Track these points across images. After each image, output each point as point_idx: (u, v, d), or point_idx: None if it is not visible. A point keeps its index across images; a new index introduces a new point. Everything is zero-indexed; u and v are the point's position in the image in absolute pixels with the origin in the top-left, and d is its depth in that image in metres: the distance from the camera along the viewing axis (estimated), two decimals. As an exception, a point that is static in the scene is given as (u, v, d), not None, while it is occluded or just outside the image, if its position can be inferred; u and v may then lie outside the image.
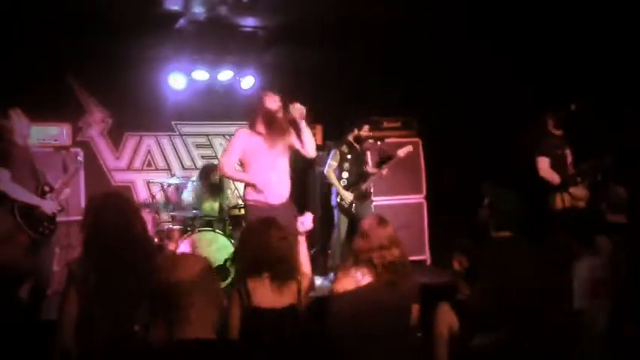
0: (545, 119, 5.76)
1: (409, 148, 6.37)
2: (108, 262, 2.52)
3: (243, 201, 5.03)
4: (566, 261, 3.55)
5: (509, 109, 6.29)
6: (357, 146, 6.44)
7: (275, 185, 4.73)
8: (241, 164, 4.88)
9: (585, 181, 5.46)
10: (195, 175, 6.88)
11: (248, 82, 7.28)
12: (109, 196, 2.82)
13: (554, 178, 5.51)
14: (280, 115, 4.74)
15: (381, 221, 3.33)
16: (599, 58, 5.61)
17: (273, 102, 4.74)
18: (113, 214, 2.60)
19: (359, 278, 3.20)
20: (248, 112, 4.96)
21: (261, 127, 4.74)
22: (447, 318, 2.97)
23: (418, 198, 7.52)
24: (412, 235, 7.30)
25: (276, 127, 4.71)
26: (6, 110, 4.59)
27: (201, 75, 7.08)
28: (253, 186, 4.70)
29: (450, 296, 3.26)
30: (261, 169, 4.71)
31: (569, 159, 5.68)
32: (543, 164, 5.57)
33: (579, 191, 5.46)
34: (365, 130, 6.43)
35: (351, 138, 6.42)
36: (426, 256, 7.42)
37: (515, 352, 2.55)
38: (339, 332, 3.11)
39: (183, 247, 5.86)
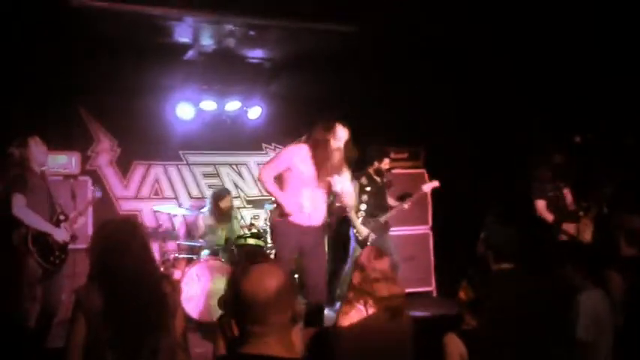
0: (536, 165, 5.78)
1: (434, 184, 6.39)
2: (114, 288, 2.53)
3: (270, 220, 4.92)
4: (568, 293, 3.54)
5: (517, 141, 6.32)
6: (378, 179, 6.45)
7: (308, 209, 4.58)
8: (279, 177, 4.70)
9: (588, 215, 5.45)
10: (206, 205, 6.87)
11: (255, 112, 7.36)
12: (117, 223, 2.84)
13: (548, 217, 5.55)
14: (340, 151, 4.61)
15: (378, 254, 3.34)
16: (604, 86, 5.64)
17: (344, 133, 4.61)
18: (121, 240, 2.61)
19: (362, 310, 3.21)
20: (312, 131, 4.73)
21: (318, 151, 4.57)
22: (457, 347, 2.99)
23: (424, 229, 7.51)
24: (418, 266, 7.28)
25: (330, 158, 4.56)
26: (25, 139, 4.64)
27: (208, 105, 7.15)
28: (284, 207, 4.56)
29: (456, 327, 3.26)
30: (298, 191, 4.56)
31: (569, 198, 5.67)
32: (540, 206, 5.61)
33: (570, 227, 5.45)
34: (385, 163, 6.46)
35: (371, 171, 6.44)
36: (432, 288, 7.38)
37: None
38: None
39: (189, 276, 5.86)
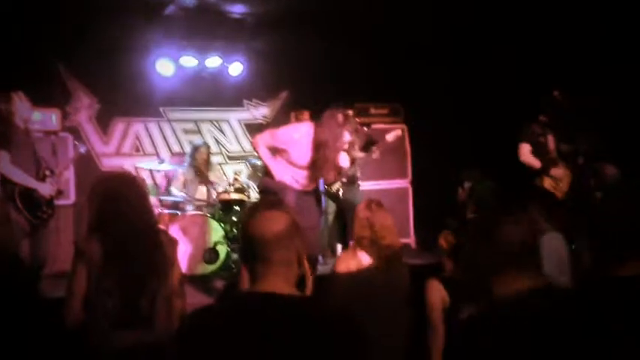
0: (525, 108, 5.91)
1: (397, 133, 6.45)
2: (114, 238, 2.61)
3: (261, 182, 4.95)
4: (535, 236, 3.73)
5: (495, 97, 6.44)
6: None
7: (294, 178, 4.71)
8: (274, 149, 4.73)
9: (564, 162, 5.65)
10: (186, 160, 6.92)
11: (236, 68, 7.36)
12: (115, 174, 2.90)
13: (534, 163, 5.68)
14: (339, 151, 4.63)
15: (379, 206, 3.45)
16: (587, 47, 5.76)
17: (350, 132, 4.61)
18: (119, 190, 2.68)
19: (361, 259, 3.34)
20: (322, 118, 4.69)
21: (321, 145, 4.56)
22: (439, 291, 3.16)
23: (403, 183, 7.66)
24: (397, 219, 7.24)
25: (330, 159, 4.59)
26: (8, 93, 4.62)
27: (189, 61, 7.15)
28: (273, 175, 4.64)
29: (436, 275, 3.43)
30: (289, 169, 4.65)
31: (552, 145, 5.84)
32: (524, 150, 5.72)
33: (559, 171, 5.64)
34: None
35: None
36: (410, 240, 7.58)
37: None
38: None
39: (174, 230, 5.95)
